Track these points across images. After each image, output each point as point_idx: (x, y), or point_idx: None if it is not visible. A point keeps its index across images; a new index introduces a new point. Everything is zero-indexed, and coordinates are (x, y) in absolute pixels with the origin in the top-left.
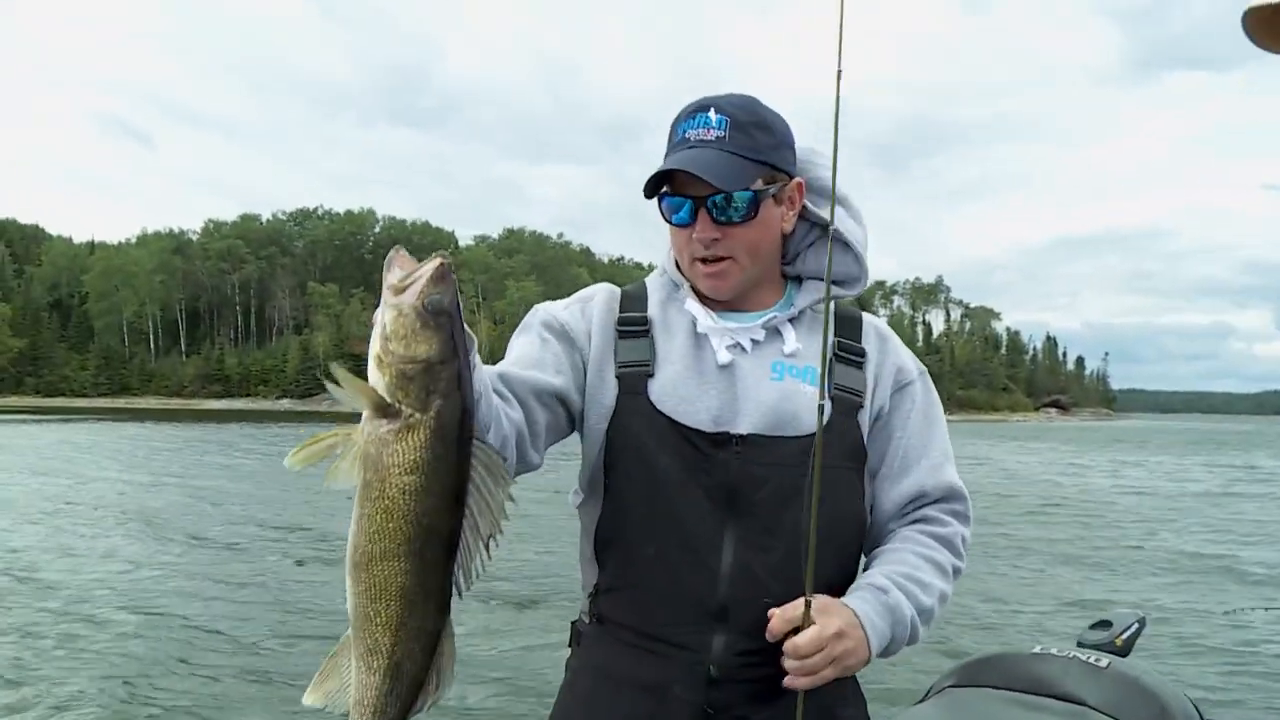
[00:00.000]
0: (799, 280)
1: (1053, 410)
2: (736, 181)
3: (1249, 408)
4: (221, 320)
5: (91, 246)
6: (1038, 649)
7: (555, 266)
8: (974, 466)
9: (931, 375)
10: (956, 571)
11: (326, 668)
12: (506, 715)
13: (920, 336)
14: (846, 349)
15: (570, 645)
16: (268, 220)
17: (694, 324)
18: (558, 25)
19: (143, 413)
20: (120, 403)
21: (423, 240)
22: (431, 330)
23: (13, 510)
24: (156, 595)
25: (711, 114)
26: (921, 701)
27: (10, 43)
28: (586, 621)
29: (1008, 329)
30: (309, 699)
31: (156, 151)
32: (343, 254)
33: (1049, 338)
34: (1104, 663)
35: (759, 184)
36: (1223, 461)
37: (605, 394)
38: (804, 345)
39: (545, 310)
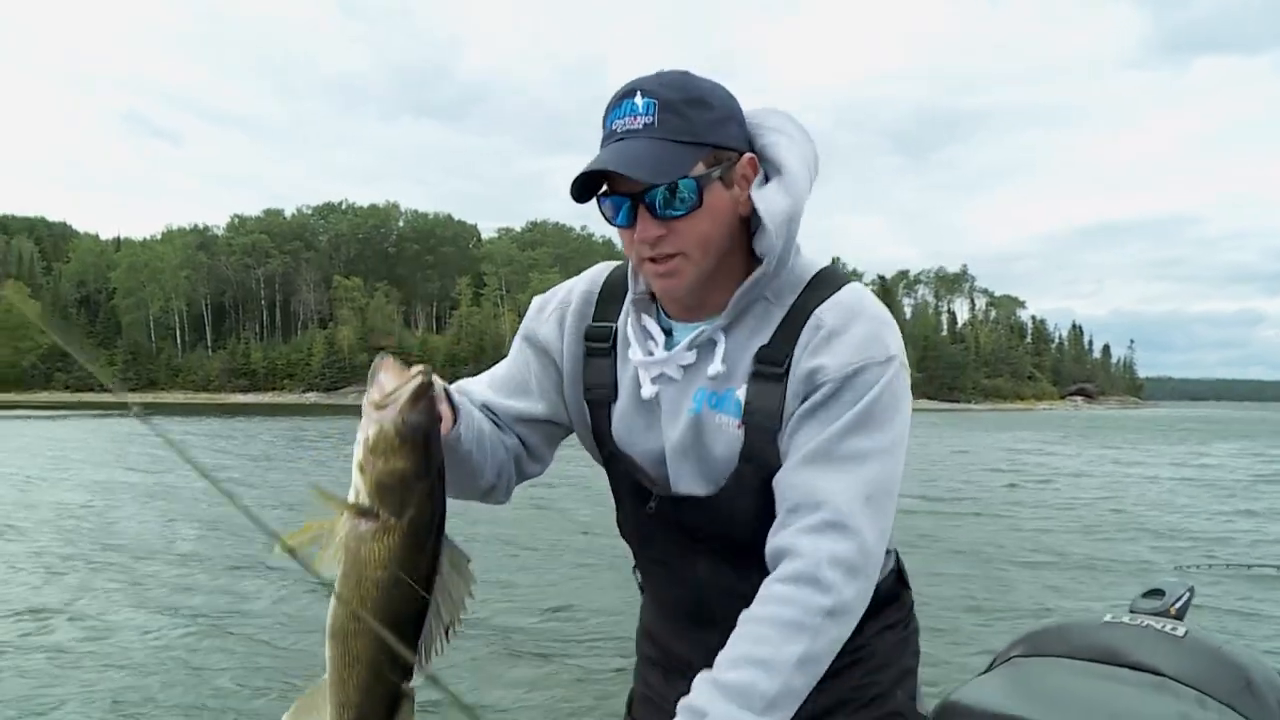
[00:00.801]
0: None
1: (1079, 398)
2: (670, 171)
3: (1279, 394)
4: (247, 315)
5: (118, 243)
6: (1108, 618)
7: (578, 258)
8: (1005, 455)
9: (957, 365)
10: (832, 613)
11: (302, 704)
12: None
13: (945, 325)
14: (766, 360)
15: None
16: (292, 215)
17: None
18: (576, 20)
19: (170, 407)
20: (148, 397)
21: (445, 233)
22: (409, 448)
23: None
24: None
25: (638, 99)
26: (987, 672)
27: (36, 44)
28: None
29: (1033, 317)
30: None
31: (181, 149)
32: (366, 247)
33: (1074, 326)
34: (1180, 631)
35: (700, 169)
36: (1256, 450)
37: (583, 413)
38: (732, 361)
39: (531, 319)
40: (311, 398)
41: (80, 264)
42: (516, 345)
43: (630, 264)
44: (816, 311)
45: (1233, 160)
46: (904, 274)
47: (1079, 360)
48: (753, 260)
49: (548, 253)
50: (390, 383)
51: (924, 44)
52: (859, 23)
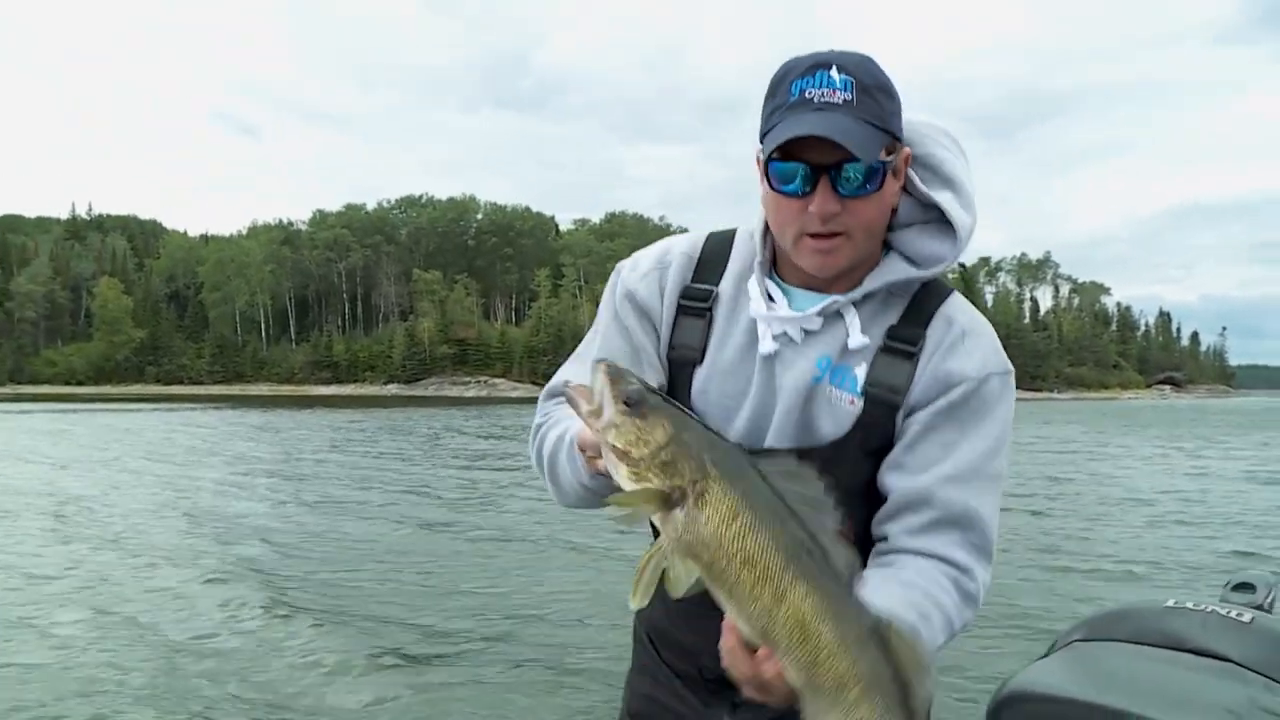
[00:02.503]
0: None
1: (1166, 387)
2: (870, 152)
3: None
4: (329, 308)
5: (205, 239)
6: (1171, 603)
7: None
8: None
9: (1039, 353)
10: (963, 626)
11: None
12: None
13: (1027, 313)
14: (898, 337)
15: None
16: (373, 209)
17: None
18: (654, 7)
19: (255, 400)
20: (234, 389)
21: (523, 225)
22: (650, 415)
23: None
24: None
25: (834, 73)
26: (1046, 656)
27: (124, 46)
28: None
29: (1118, 304)
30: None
31: (265, 145)
32: (446, 240)
33: (1162, 312)
34: (1247, 617)
35: (883, 154)
36: None
37: (663, 373)
38: (866, 335)
39: (627, 281)
40: (392, 389)
41: (170, 260)
42: (611, 312)
43: (756, 230)
44: (944, 308)
45: None
46: (985, 260)
47: (1166, 348)
48: (880, 247)
49: (626, 244)
50: (585, 395)
51: (1008, 23)
52: (941, 3)
